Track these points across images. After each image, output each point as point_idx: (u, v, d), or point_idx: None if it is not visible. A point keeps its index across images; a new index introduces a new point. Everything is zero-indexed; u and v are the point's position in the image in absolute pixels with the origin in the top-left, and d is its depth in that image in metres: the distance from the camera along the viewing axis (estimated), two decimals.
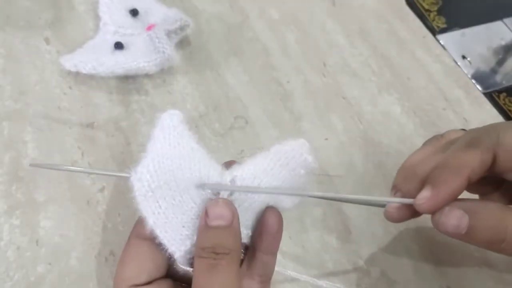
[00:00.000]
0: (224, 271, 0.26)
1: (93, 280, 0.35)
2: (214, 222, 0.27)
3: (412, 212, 0.30)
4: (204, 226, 0.27)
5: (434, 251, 0.39)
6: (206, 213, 0.27)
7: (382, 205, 0.32)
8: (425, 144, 0.34)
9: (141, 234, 0.29)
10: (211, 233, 0.27)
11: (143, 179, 0.27)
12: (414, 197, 0.29)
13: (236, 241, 0.27)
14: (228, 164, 0.31)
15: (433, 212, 0.28)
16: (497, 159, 0.29)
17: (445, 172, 0.28)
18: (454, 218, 0.27)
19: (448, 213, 0.27)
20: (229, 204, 0.27)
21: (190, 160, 0.29)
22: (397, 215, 0.30)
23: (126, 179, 0.28)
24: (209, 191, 0.29)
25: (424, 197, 0.28)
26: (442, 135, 0.34)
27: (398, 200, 0.30)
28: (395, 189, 0.32)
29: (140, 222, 0.29)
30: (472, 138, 0.29)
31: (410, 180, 0.31)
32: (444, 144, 0.33)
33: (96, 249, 0.36)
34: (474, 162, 0.28)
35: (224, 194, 0.29)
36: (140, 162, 0.28)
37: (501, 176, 0.30)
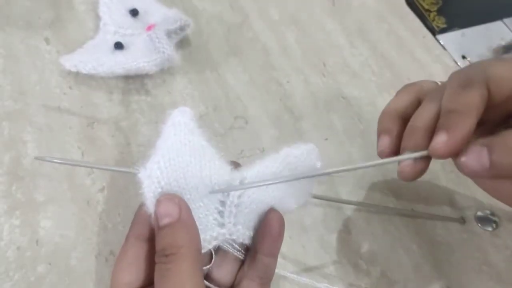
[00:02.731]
0: (174, 275, 0.25)
1: (93, 280, 0.35)
2: (162, 222, 0.26)
3: (426, 164, 0.30)
4: (156, 229, 0.26)
5: (434, 251, 0.39)
6: (155, 216, 0.26)
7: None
8: (398, 93, 0.35)
9: (140, 235, 0.28)
10: (161, 235, 0.26)
11: (153, 176, 0.27)
12: (422, 149, 0.29)
13: (187, 234, 0.26)
14: (235, 164, 0.31)
15: (449, 157, 0.28)
16: (489, 94, 0.29)
17: (454, 116, 0.28)
18: (474, 154, 0.27)
19: (466, 151, 0.27)
20: (173, 198, 0.27)
21: (200, 158, 0.29)
22: (412, 171, 0.30)
23: (128, 177, 0.28)
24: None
25: (441, 141, 0.27)
26: (414, 83, 0.34)
27: (413, 155, 0.29)
28: (384, 133, 0.32)
29: (138, 222, 0.28)
30: (463, 80, 0.29)
31: (412, 135, 0.30)
32: (418, 90, 0.33)
33: (96, 249, 0.36)
34: (477, 100, 0.28)
35: (234, 196, 0.29)
36: (149, 158, 0.28)
37: (491, 114, 0.30)
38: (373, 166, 0.34)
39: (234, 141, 0.43)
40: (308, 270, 0.37)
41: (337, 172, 0.29)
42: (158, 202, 0.27)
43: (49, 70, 0.45)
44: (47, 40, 0.47)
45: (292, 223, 0.39)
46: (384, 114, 0.34)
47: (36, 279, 0.34)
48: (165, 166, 0.27)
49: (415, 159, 0.29)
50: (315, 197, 0.33)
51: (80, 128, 0.42)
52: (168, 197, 0.27)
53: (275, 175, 0.29)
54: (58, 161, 0.29)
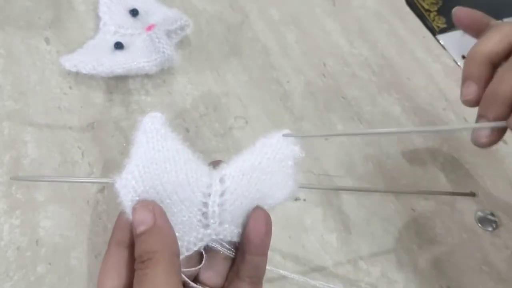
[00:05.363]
0: (149, 280, 0.25)
1: (93, 280, 0.35)
2: (139, 229, 0.26)
3: (503, 133, 0.29)
4: (134, 237, 0.27)
5: (434, 251, 0.39)
6: (132, 224, 0.27)
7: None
8: (490, 32, 0.31)
9: (121, 242, 0.28)
10: (138, 242, 0.26)
11: (128, 185, 0.27)
12: (501, 119, 0.28)
13: (162, 239, 0.26)
14: (216, 163, 0.31)
15: None
16: None
17: None
18: None
19: None
20: (148, 205, 0.27)
21: (175, 163, 0.28)
22: (488, 140, 0.29)
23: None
24: (199, 192, 0.29)
25: None
26: (510, 24, 0.31)
27: (490, 124, 0.28)
28: (471, 80, 0.30)
29: (119, 229, 0.28)
30: None
31: (493, 104, 0.29)
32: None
33: (96, 249, 0.36)
34: None
35: (215, 195, 0.29)
36: (124, 167, 0.28)
37: None
38: (444, 131, 0.31)
39: (234, 141, 0.43)
40: (308, 270, 0.37)
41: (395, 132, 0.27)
42: (134, 210, 0.27)
43: (49, 70, 0.45)
44: (47, 40, 0.47)
45: (292, 223, 0.39)
46: (471, 57, 0.31)
47: (36, 279, 0.34)
48: (139, 175, 0.27)
49: (492, 129, 0.28)
50: (303, 186, 0.32)
51: (80, 128, 0.42)
52: (142, 204, 0.27)
53: (254, 168, 0.29)
54: (35, 179, 0.30)
